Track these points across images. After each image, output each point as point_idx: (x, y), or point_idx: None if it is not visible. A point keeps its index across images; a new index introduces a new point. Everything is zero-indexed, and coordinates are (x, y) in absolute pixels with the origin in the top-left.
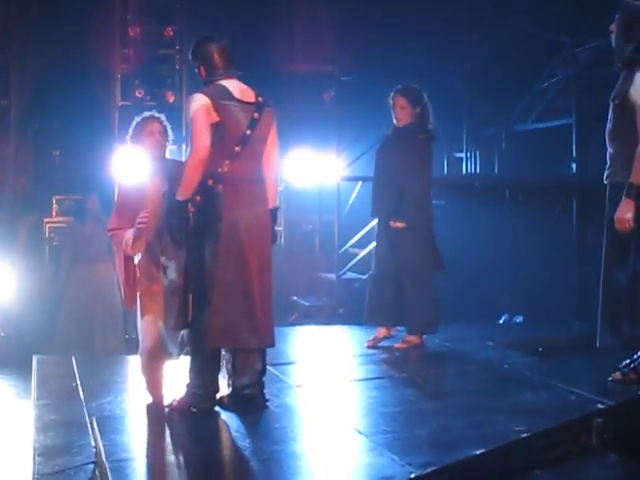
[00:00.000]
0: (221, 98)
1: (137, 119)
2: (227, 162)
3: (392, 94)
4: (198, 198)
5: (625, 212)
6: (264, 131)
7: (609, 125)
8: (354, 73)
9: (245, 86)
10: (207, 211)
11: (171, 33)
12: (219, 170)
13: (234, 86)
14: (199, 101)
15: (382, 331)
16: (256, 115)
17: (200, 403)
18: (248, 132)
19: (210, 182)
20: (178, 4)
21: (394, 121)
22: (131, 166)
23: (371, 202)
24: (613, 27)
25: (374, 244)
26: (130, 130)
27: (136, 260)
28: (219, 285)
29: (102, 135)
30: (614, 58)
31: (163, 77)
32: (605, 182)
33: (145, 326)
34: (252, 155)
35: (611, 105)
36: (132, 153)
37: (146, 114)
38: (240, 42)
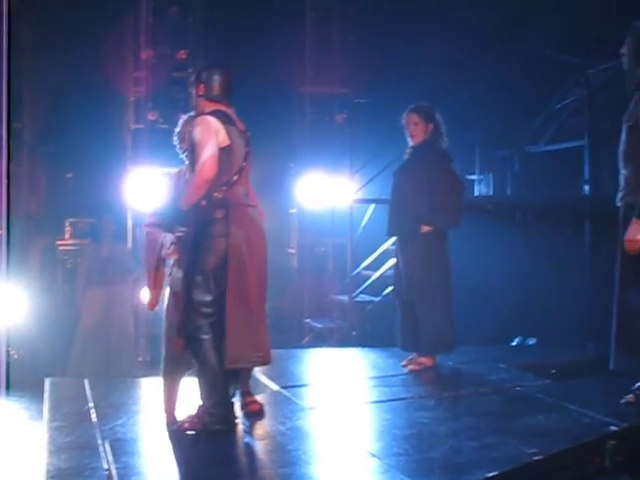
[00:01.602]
0: (228, 123)
1: (185, 117)
2: (224, 188)
3: (405, 113)
4: (204, 202)
5: (635, 233)
6: (250, 165)
7: (622, 147)
8: (367, 95)
9: (235, 116)
10: (202, 230)
11: (184, 56)
12: (215, 194)
13: (232, 114)
14: (211, 124)
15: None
16: (247, 148)
17: (214, 425)
18: (244, 164)
19: (204, 203)
20: (191, 27)
21: (409, 141)
22: (144, 189)
23: (387, 222)
24: (624, 50)
25: (387, 266)
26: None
27: (167, 265)
28: (230, 306)
29: (115, 158)
30: (626, 81)
31: (176, 100)
32: (618, 204)
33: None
34: (243, 185)
35: (624, 127)
36: (148, 174)
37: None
38: (253, 64)
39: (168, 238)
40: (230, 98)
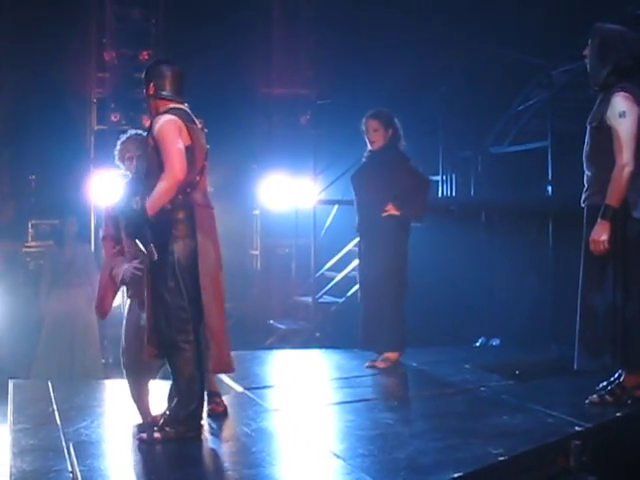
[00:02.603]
0: (188, 121)
1: (122, 138)
2: (188, 190)
3: (364, 119)
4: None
5: (600, 234)
6: (208, 164)
7: (586, 148)
8: (330, 97)
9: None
10: (166, 233)
11: (147, 57)
12: (179, 196)
13: (189, 112)
14: (172, 122)
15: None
16: (208, 147)
17: (187, 433)
18: (206, 163)
19: (179, 204)
20: (154, 28)
21: (369, 146)
22: (107, 189)
23: (357, 220)
24: (587, 51)
25: (350, 267)
26: (116, 151)
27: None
28: (208, 309)
29: (78, 159)
30: (590, 82)
31: (139, 101)
32: (582, 205)
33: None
34: (203, 184)
35: (588, 128)
36: (111, 176)
37: (129, 133)
38: (216, 65)
39: (122, 269)
40: (183, 94)
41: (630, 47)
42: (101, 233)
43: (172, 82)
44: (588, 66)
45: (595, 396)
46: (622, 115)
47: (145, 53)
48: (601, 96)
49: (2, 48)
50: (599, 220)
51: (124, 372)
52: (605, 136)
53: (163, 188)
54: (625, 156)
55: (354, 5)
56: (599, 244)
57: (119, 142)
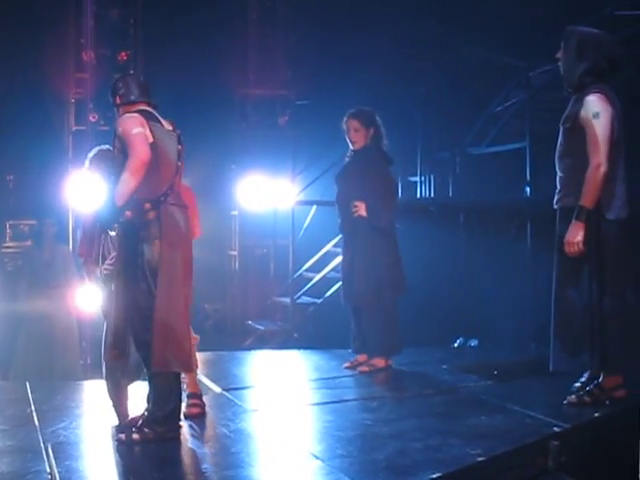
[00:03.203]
0: (151, 120)
1: (91, 154)
2: (166, 191)
3: (345, 119)
4: (128, 213)
5: (575, 235)
6: (183, 164)
7: (559, 149)
8: (309, 97)
9: (162, 117)
10: (141, 233)
11: (125, 57)
12: (154, 197)
13: (155, 113)
14: (134, 119)
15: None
16: (180, 147)
17: (166, 434)
18: (179, 164)
19: (147, 206)
20: (132, 29)
21: (350, 146)
22: (86, 191)
23: (339, 223)
24: (560, 54)
25: (329, 268)
26: (87, 162)
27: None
28: (158, 308)
29: (56, 159)
30: (564, 84)
31: None
32: (555, 206)
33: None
34: (179, 185)
35: (561, 129)
36: (87, 179)
37: (98, 149)
38: (194, 66)
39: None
40: (149, 97)
41: (605, 49)
42: (77, 249)
43: (137, 87)
44: (562, 68)
45: (573, 396)
46: (596, 116)
47: (123, 53)
48: (575, 97)
49: None
50: (573, 221)
51: (105, 374)
52: (578, 137)
53: (128, 171)
54: (600, 156)
55: (332, 5)
56: (574, 245)
57: (87, 159)
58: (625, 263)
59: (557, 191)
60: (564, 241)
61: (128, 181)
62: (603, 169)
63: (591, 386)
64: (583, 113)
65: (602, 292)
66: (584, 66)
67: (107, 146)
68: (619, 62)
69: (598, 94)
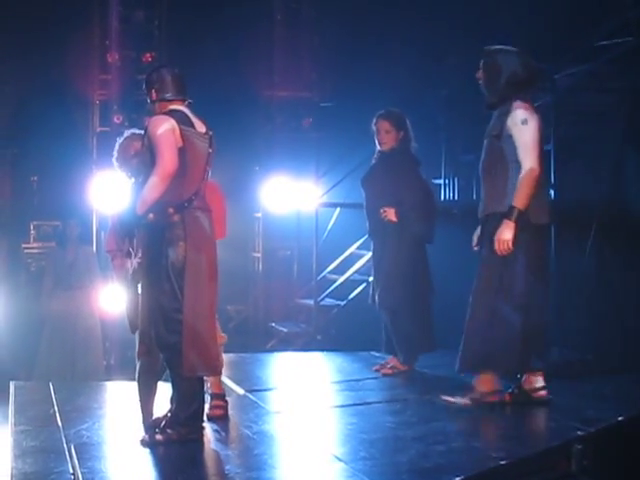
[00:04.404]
0: (183, 124)
1: (120, 139)
2: (191, 197)
3: (375, 119)
4: (151, 216)
5: (505, 233)
6: (211, 167)
7: (484, 160)
8: (333, 99)
9: (195, 116)
10: (159, 236)
11: (150, 59)
12: (179, 201)
13: (189, 114)
14: (165, 122)
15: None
16: (210, 150)
17: (188, 435)
18: (208, 168)
19: (171, 210)
20: (157, 30)
21: (378, 147)
22: (109, 192)
23: (368, 225)
24: (480, 74)
25: (352, 270)
26: (115, 152)
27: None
28: (187, 312)
29: (80, 161)
30: (485, 101)
31: (142, 103)
32: (480, 216)
33: None
34: (204, 189)
35: (486, 141)
36: (113, 178)
37: (128, 132)
38: (219, 67)
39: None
40: (184, 95)
41: (522, 62)
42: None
43: (172, 84)
44: (482, 87)
45: (497, 396)
46: (524, 122)
47: (148, 55)
48: (498, 110)
49: (4, 49)
50: (505, 220)
51: (137, 370)
52: (505, 146)
53: (153, 181)
54: (532, 160)
55: (356, 7)
56: (504, 243)
57: (118, 143)
58: (542, 266)
59: (482, 200)
60: (494, 239)
61: (152, 190)
62: (537, 172)
63: (513, 387)
64: (510, 122)
65: (523, 295)
66: (504, 79)
67: (138, 130)
68: (536, 73)
69: (522, 103)
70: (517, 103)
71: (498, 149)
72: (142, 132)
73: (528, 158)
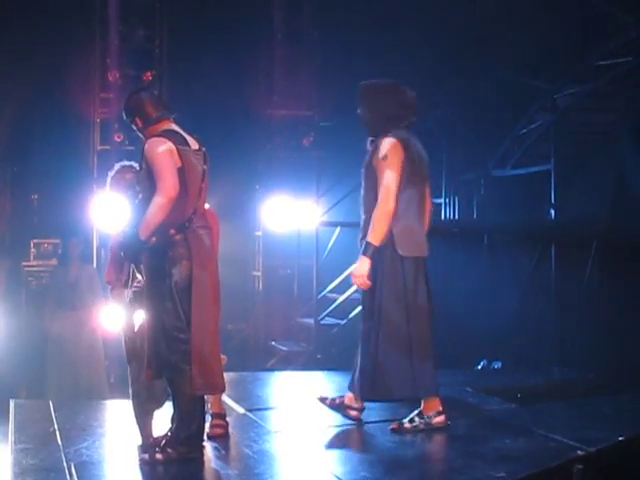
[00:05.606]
0: (180, 143)
1: (111, 173)
2: (191, 216)
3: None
4: (153, 239)
5: (361, 270)
6: (208, 182)
7: (362, 192)
8: (333, 118)
9: (187, 133)
10: (161, 255)
11: (150, 77)
12: (180, 222)
13: (181, 131)
14: (163, 144)
15: None
16: (205, 167)
17: (189, 454)
18: (203, 185)
19: (173, 231)
20: (157, 49)
21: None
22: (110, 212)
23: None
24: (359, 110)
25: (352, 289)
26: (107, 185)
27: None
28: (195, 330)
29: (81, 179)
30: (368, 134)
31: None
32: (359, 246)
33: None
34: (202, 206)
35: (363, 174)
36: (111, 200)
37: (118, 166)
38: (219, 86)
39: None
40: (170, 111)
41: (399, 97)
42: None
43: (155, 104)
44: (362, 121)
45: (396, 423)
46: (385, 158)
47: (149, 74)
48: (373, 145)
49: (5, 67)
50: (360, 256)
51: (131, 395)
52: (374, 179)
53: (156, 205)
54: (384, 196)
55: (356, 26)
56: (359, 278)
57: (110, 176)
58: (421, 296)
59: (361, 229)
60: (351, 274)
61: (156, 214)
62: (388, 208)
63: (413, 413)
64: (375, 157)
65: (383, 322)
66: (382, 114)
67: (128, 162)
68: (412, 106)
69: (388, 138)
70: (384, 138)
71: (369, 182)
72: (132, 164)
73: (381, 194)
